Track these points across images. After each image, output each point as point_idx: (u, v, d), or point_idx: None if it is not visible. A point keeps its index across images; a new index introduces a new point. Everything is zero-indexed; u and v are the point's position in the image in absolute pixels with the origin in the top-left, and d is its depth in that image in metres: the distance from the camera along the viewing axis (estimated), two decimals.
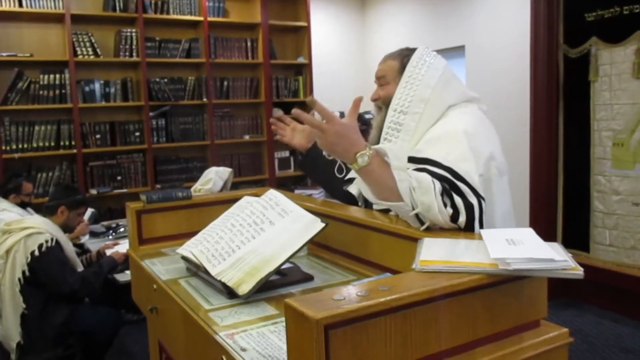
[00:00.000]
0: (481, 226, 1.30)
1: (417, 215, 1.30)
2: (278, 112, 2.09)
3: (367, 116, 4.32)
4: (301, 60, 5.84)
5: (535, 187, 4.14)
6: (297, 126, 1.96)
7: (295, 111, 1.34)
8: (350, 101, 1.38)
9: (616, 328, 3.58)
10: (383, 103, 1.69)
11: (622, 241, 3.68)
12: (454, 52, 5.22)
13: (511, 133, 4.66)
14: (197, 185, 2.44)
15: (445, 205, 1.28)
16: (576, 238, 3.93)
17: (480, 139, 1.48)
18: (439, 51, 1.70)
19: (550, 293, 1.13)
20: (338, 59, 6.37)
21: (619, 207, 3.67)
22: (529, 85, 4.16)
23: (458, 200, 1.29)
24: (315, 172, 2.03)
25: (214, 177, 2.41)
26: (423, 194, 1.27)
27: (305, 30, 5.80)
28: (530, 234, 1.14)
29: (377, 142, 1.63)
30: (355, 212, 1.66)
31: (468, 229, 1.31)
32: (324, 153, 1.62)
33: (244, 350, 1.14)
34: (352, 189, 1.84)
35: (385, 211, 1.54)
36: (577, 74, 3.88)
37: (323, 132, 1.30)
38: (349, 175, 1.86)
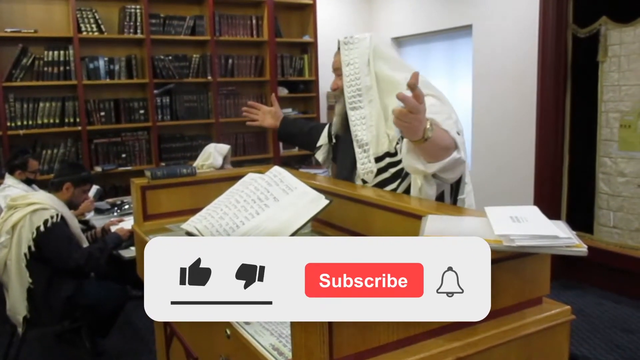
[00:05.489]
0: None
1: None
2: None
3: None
4: (307, 38, 5.79)
5: (541, 167, 4.12)
6: (266, 109, 2.36)
7: (400, 94, 1.29)
8: None
9: (618, 309, 3.60)
10: (342, 92, 1.82)
11: (627, 223, 3.67)
12: (461, 31, 5.14)
13: (518, 113, 4.63)
14: (199, 162, 2.44)
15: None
16: (580, 219, 3.92)
17: (446, 102, 1.67)
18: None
19: (553, 274, 1.14)
20: None
21: (624, 189, 3.66)
22: (537, 65, 4.11)
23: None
24: (292, 141, 2.56)
25: (213, 152, 2.41)
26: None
27: (311, 8, 5.74)
28: (534, 211, 1.14)
29: (345, 128, 1.86)
30: (359, 190, 1.66)
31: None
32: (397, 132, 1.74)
33: (247, 323, 1.15)
34: (319, 156, 2.11)
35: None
36: (586, 54, 3.83)
37: (417, 111, 1.29)
38: (319, 143, 2.17)
